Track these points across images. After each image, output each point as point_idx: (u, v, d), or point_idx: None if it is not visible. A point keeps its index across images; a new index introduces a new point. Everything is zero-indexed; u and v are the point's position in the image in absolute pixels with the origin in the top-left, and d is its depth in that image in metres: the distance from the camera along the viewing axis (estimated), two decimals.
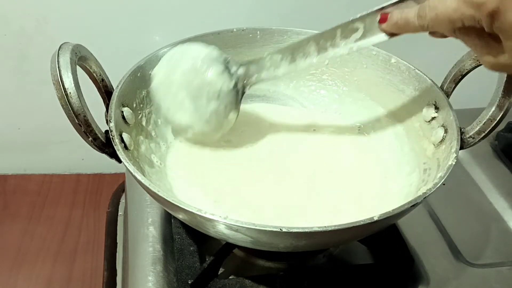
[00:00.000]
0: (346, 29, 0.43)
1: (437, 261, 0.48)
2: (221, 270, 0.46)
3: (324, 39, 0.44)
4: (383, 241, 0.47)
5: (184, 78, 0.46)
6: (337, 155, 0.51)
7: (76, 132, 0.39)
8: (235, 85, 0.47)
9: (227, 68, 0.46)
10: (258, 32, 0.54)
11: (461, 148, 0.43)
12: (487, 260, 0.49)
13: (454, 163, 0.40)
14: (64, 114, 0.38)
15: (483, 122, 0.42)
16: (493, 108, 0.41)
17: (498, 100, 0.41)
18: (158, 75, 0.47)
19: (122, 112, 0.44)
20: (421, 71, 0.49)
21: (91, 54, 0.43)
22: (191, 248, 0.46)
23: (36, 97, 0.73)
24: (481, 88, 0.54)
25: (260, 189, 0.47)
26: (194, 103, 0.46)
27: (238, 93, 0.47)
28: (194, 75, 0.46)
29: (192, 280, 0.43)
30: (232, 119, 0.48)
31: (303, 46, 0.45)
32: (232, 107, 0.47)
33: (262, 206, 0.45)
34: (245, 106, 0.56)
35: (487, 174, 0.58)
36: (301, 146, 0.52)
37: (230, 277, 0.46)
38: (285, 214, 0.44)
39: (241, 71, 0.47)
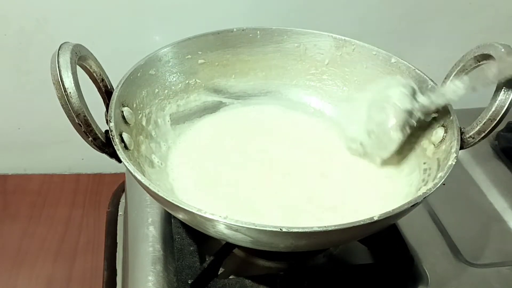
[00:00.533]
0: None
1: (437, 261, 0.48)
2: (221, 270, 0.46)
3: (503, 63, 0.41)
4: (383, 241, 0.47)
5: (372, 94, 0.49)
6: (337, 155, 0.51)
7: (76, 132, 0.39)
8: (412, 110, 0.46)
9: (413, 94, 0.47)
10: (258, 32, 0.54)
11: (461, 148, 0.43)
12: (487, 260, 0.49)
13: (454, 163, 0.40)
14: (64, 114, 0.38)
15: (483, 122, 0.42)
16: (493, 108, 0.41)
17: (498, 100, 0.41)
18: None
19: (122, 112, 0.44)
20: (421, 71, 0.49)
21: (91, 54, 0.43)
22: (191, 248, 0.46)
23: (36, 97, 0.72)
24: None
25: (261, 189, 0.47)
26: (368, 112, 0.49)
27: (411, 117, 0.46)
28: (380, 92, 0.48)
29: (192, 280, 0.43)
30: (392, 140, 0.47)
31: (483, 71, 0.43)
32: (398, 127, 0.46)
33: (263, 206, 0.45)
34: (245, 107, 0.56)
35: (487, 174, 0.58)
36: (301, 145, 0.52)
37: (230, 277, 0.46)
38: (285, 215, 0.44)
39: (425, 101, 0.46)
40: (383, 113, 0.47)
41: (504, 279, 0.47)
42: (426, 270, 0.47)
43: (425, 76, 0.49)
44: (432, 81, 0.48)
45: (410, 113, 0.46)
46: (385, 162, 0.50)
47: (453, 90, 0.44)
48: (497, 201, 0.55)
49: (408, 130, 0.47)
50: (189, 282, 0.43)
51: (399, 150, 0.50)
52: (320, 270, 0.47)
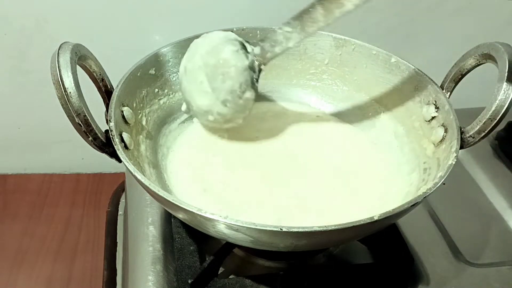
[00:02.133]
0: None
1: (437, 260, 0.48)
2: (221, 270, 0.46)
3: (329, 1, 0.43)
4: (383, 240, 0.47)
5: (203, 61, 0.46)
6: (336, 155, 0.51)
7: (76, 132, 0.39)
8: (251, 63, 0.47)
9: (243, 47, 0.47)
10: (258, 32, 0.54)
11: (461, 147, 0.43)
12: (487, 259, 0.49)
13: (454, 162, 0.40)
14: (64, 113, 0.38)
15: (483, 121, 0.42)
16: (493, 108, 0.41)
17: (498, 100, 0.41)
18: (181, 65, 0.48)
19: (122, 111, 0.44)
20: (421, 71, 0.49)
21: (91, 53, 0.42)
22: (191, 248, 0.46)
23: (36, 96, 0.73)
24: (481, 87, 0.54)
25: (261, 189, 0.47)
26: (211, 84, 0.46)
27: (255, 72, 0.47)
28: (211, 56, 0.46)
29: (192, 280, 0.43)
30: (248, 99, 0.47)
31: (310, 12, 0.44)
32: (248, 86, 0.47)
33: (263, 205, 0.45)
34: None
35: (487, 173, 0.58)
36: (300, 145, 0.52)
37: (230, 277, 0.46)
38: (285, 214, 0.44)
39: (256, 50, 0.47)
40: (228, 79, 0.46)
41: (504, 278, 0.47)
42: (426, 270, 0.47)
43: (425, 76, 0.49)
44: (432, 80, 0.48)
45: (251, 67, 0.46)
46: (385, 162, 0.50)
47: (284, 35, 0.45)
48: (497, 200, 0.55)
49: (256, 84, 0.48)
50: (189, 281, 0.43)
51: (400, 150, 0.50)
52: (320, 270, 0.47)
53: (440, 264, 0.48)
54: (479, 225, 0.52)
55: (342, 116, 0.56)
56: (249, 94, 0.47)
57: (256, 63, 0.47)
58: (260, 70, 0.47)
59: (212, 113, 0.48)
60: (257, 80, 0.48)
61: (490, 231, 0.52)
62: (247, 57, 0.46)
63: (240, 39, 0.47)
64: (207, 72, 0.46)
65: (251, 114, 0.54)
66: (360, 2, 0.41)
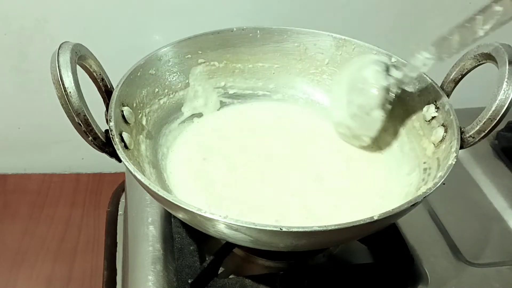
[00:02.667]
0: (486, 13, 0.41)
1: (437, 260, 0.48)
2: (221, 270, 0.46)
3: (466, 29, 0.42)
4: (383, 240, 0.47)
5: (352, 75, 0.50)
6: (337, 155, 0.51)
7: (76, 132, 0.39)
8: (388, 86, 0.48)
9: (386, 69, 0.48)
10: (258, 32, 0.54)
11: (461, 147, 0.43)
12: (487, 259, 0.49)
13: (454, 162, 0.40)
14: (64, 113, 0.38)
15: (483, 121, 0.42)
16: (493, 108, 0.41)
17: (498, 100, 0.41)
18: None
19: (122, 111, 0.44)
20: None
21: (91, 53, 0.42)
22: (191, 248, 0.46)
23: (36, 96, 0.72)
24: (481, 87, 0.54)
25: (261, 189, 0.47)
26: (348, 96, 0.49)
27: (388, 93, 0.48)
28: (357, 72, 0.49)
29: (192, 280, 0.43)
30: (376, 118, 0.49)
31: (448, 40, 0.44)
32: (377, 106, 0.48)
33: (263, 205, 0.45)
34: (244, 107, 0.56)
35: (487, 173, 0.58)
36: (300, 145, 0.52)
37: (230, 277, 0.46)
38: (285, 214, 0.44)
39: (398, 75, 0.48)
40: (362, 95, 0.48)
41: (504, 278, 0.47)
42: (426, 270, 0.47)
43: (425, 76, 0.49)
44: (432, 80, 0.48)
45: (387, 89, 0.48)
46: (385, 162, 0.50)
47: (422, 61, 0.45)
48: (497, 200, 0.55)
49: (388, 106, 0.49)
50: (189, 281, 0.43)
51: (400, 150, 0.50)
52: (320, 270, 0.47)
53: (440, 264, 0.48)
54: (479, 225, 0.52)
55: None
56: (377, 113, 0.48)
57: (395, 87, 0.48)
58: (396, 94, 0.48)
59: (341, 125, 0.51)
60: (390, 103, 0.49)
61: (490, 231, 0.52)
62: (386, 79, 0.48)
63: (385, 60, 0.49)
64: (350, 85, 0.50)
65: (251, 114, 0.54)
66: (490, 30, 0.41)
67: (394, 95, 0.48)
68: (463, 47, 0.43)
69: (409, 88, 0.49)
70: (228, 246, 0.45)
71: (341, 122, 0.51)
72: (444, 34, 0.44)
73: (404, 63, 0.49)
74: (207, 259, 0.44)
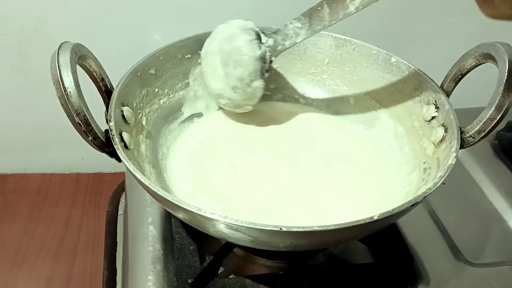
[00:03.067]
0: None
1: (437, 260, 0.48)
2: (221, 270, 0.46)
3: (336, 2, 0.44)
4: (383, 240, 0.47)
5: (219, 46, 0.49)
6: (336, 155, 0.51)
7: (76, 132, 0.39)
8: (263, 54, 0.49)
9: (257, 37, 0.49)
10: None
11: (461, 147, 0.43)
12: (487, 259, 0.49)
13: (454, 162, 0.40)
14: (64, 113, 0.38)
15: (483, 121, 0.42)
16: (493, 108, 0.41)
17: (498, 100, 0.41)
18: (203, 48, 0.51)
19: (122, 111, 0.44)
20: (421, 70, 0.49)
21: (91, 53, 0.42)
22: (191, 248, 0.46)
23: (36, 96, 0.72)
24: (481, 87, 0.54)
25: (261, 188, 0.47)
26: (224, 69, 0.48)
27: (265, 63, 0.49)
28: (227, 43, 0.49)
29: (192, 280, 0.43)
30: (257, 87, 0.49)
31: (318, 11, 0.46)
32: (257, 76, 0.49)
33: (263, 205, 0.45)
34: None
35: (487, 173, 0.58)
36: (301, 145, 0.52)
37: (230, 276, 0.46)
38: (286, 214, 0.44)
39: (270, 41, 0.49)
40: (239, 67, 0.48)
41: (504, 278, 0.47)
42: (426, 270, 0.47)
43: (425, 76, 0.49)
44: (432, 80, 0.48)
45: (262, 58, 0.49)
46: (385, 161, 0.50)
47: (293, 29, 0.47)
48: (497, 200, 0.55)
49: (266, 75, 0.49)
50: (189, 281, 0.43)
51: (400, 150, 0.50)
52: (320, 270, 0.47)
53: (440, 264, 0.48)
54: (479, 225, 0.52)
55: (342, 116, 0.56)
56: (258, 83, 0.49)
57: (268, 54, 0.49)
58: (271, 61, 0.49)
59: (223, 97, 0.50)
60: (267, 71, 0.49)
61: (490, 231, 0.52)
62: (259, 48, 0.48)
63: (257, 29, 0.49)
64: (222, 57, 0.48)
65: (250, 114, 0.54)
66: (361, 6, 0.43)
67: (268, 63, 0.49)
68: (334, 20, 0.45)
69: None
70: (228, 246, 0.45)
71: (222, 94, 0.50)
72: (315, 6, 0.45)
73: (275, 31, 0.49)
74: (207, 259, 0.44)
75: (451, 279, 0.46)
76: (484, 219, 0.53)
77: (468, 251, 0.49)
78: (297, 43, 0.48)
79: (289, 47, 0.48)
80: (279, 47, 0.49)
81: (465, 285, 0.46)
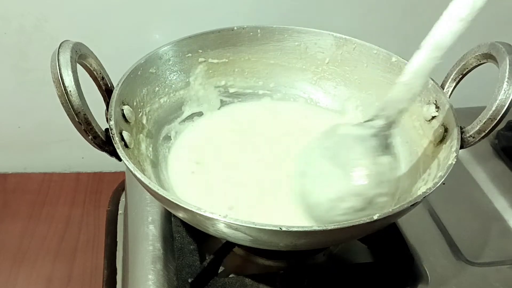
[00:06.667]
0: None
1: (437, 259, 0.48)
2: (221, 269, 0.46)
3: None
4: (383, 240, 0.47)
5: (320, 150, 0.42)
6: None
7: (76, 131, 0.39)
8: (375, 133, 0.41)
9: (361, 124, 0.42)
10: (259, 31, 0.54)
11: (461, 147, 0.43)
12: (487, 258, 0.49)
13: (454, 162, 0.40)
14: (64, 112, 0.38)
15: (484, 121, 0.42)
16: (494, 108, 0.41)
17: (498, 100, 0.41)
18: (296, 175, 0.43)
19: (122, 110, 0.44)
20: None
21: (91, 52, 0.42)
22: (191, 247, 0.46)
23: (36, 95, 0.72)
24: (481, 86, 0.54)
25: (262, 188, 0.47)
26: (336, 162, 0.40)
27: (382, 140, 0.41)
28: (328, 139, 0.42)
29: (192, 279, 0.43)
30: (385, 164, 0.40)
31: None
32: (381, 151, 0.40)
33: (264, 204, 0.45)
34: (244, 106, 0.56)
35: (487, 172, 0.58)
36: (301, 143, 0.52)
37: (230, 276, 0.46)
38: (286, 213, 0.44)
39: (378, 122, 0.41)
40: (352, 148, 0.40)
41: (504, 278, 0.47)
42: (426, 269, 0.47)
43: None
44: (433, 80, 0.48)
45: (375, 135, 0.41)
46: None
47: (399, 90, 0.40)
48: (497, 200, 0.55)
49: (392, 148, 0.42)
50: (189, 280, 0.43)
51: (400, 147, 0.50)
52: (320, 269, 0.47)
53: (440, 263, 0.48)
54: (479, 224, 0.52)
55: (343, 115, 0.56)
56: (385, 159, 0.40)
57: (383, 131, 0.41)
58: (389, 135, 0.41)
59: (345, 198, 0.39)
60: (388, 146, 0.41)
61: (490, 230, 0.52)
62: (368, 128, 0.41)
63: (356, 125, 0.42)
64: (328, 155, 0.41)
65: (251, 113, 0.54)
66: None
67: (387, 137, 0.41)
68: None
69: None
70: (228, 245, 0.45)
71: (342, 196, 0.39)
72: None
73: (382, 108, 0.42)
74: (207, 258, 0.44)
75: (451, 278, 0.46)
76: (484, 218, 0.53)
77: (468, 251, 0.49)
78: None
79: (407, 106, 0.41)
80: (393, 117, 0.41)
81: (465, 285, 0.46)
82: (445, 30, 0.37)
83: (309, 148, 0.43)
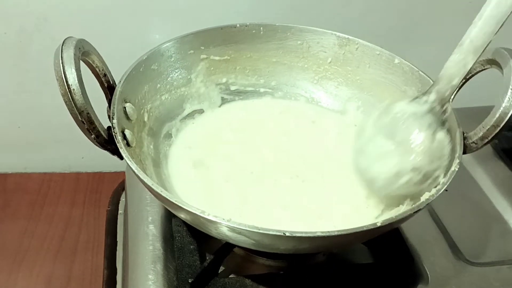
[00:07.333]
0: None
1: (437, 260, 0.48)
2: (221, 269, 0.46)
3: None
4: (383, 240, 0.47)
5: (376, 127, 0.43)
6: (339, 155, 0.51)
7: (76, 131, 0.39)
8: (430, 109, 0.42)
9: (415, 100, 0.43)
10: (261, 28, 0.54)
11: (464, 153, 0.42)
12: (488, 259, 0.49)
13: (457, 169, 0.40)
14: (64, 112, 0.38)
15: (487, 128, 0.41)
16: (497, 115, 0.41)
17: (502, 107, 0.40)
18: (354, 150, 0.45)
19: (125, 107, 0.44)
20: (424, 73, 0.49)
21: (94, 49, 0.42)
22: (191, 247, 0.46)
23: (36, 95, 0.72)
24: (482, 86, 0.54)
25: (263, 189, 0.47)
26: (394, 139, 0.42)
27: (437, 115, 0.42)
28: (385, 116, 0.43)
29: (192, 279, 0.43)
30: (442, 140, 0.42)
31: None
32: (437, 127, 0.42)
33: (264, 207, 0.45)
34: (245, 104, 0.56)
35: (488, 173, 0.58)
36: (302, 144, 0.52)
37: (231, 276, 0.46)
38: (287, 216, 0.44)
39: (431, 97, 0.43)
40: (410, 125, 0.42)
41: (504, 278, 0.47)
42: (426, 269, 0.47)
43: (428, 78, 0.48)
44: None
45: (431, 111, 0.42)
46: None
47: (456, 65, 0.41)
48: (498, 200, 0.55)
49: (446, 124, 0.42)
50: (189, 281, 0.43)
51: None
52: (320, 269, 0.47)
53: (440, 264, 0.48)
54: (479, 224, 0.52)
55: (344, 116, 0.56)
56: (440, 135, 0.42)
57: (437, 106, 0.42)
58: (445, 111, 0.43)
59: (403, 173, 0.41)
60: (444, 122, 0.42)
61: (490, 230, 0.52)
62: (422, 104, 0.43)
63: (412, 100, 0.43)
64: (385, 132, 0.42)
65: (252, 111, 0.54)
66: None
67: (443, 112, 0.42)
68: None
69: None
70: (228, 246, 0.45)
71: (401, 170, 0.41)
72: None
73: (433, 83, 0.43)
74: (207, 258, 0.44)
75: (451, 278, 0.46)
76: (484, 218, 0.53)
77: (468, 251, 0.49)
78: (468, 73, 0.42)
79: (461, 83, 0.42)
80: (447, 92, 0.42)
81: (465, 285, 0.46)
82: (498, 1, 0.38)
83: (366, 126, 0.44)
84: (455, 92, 0.43)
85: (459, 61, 0.41)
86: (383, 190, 0.43)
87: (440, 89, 0.42)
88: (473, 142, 0.43)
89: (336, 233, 0.34)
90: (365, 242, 0.48)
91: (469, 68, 0.41)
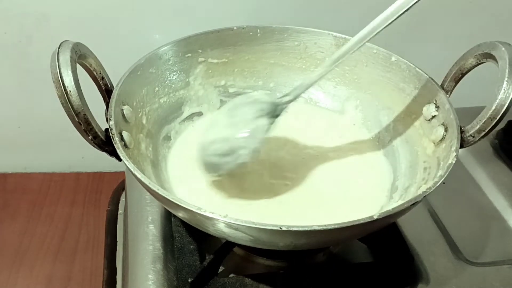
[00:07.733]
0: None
1: (437, 259, 0.48)
2: (221, 269, 0.46)
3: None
4: (383, 239, 0.47)
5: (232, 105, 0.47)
6: (336, 153, 0.51)
7: (76, 131, 0.39)
8: (275, 101, 0.46)
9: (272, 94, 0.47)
10: (259, 30, 0.54)
11: (461, 146, 0.43)
12: (487, 258, 0.49)
13: (454, 162, 0.40)
14: (64, 112, 0.38)
15: (483, 121, 0.42)
16: (494, 107, 0.41)
17: (498, 99, 0.41)
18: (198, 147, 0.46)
19: (122, 110, 0.44)
20: (421, 70, 0.49)
21: (91, 52, 0.42)
22: (191, 247, 0.46)
23: (36, 95, 0.73)
24: (481, 86, 0.54)
25: (261, 187, 0.47)
26: (229, 119, 0.45)
27: (276, 108, 0.46)
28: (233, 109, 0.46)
29: (192, 279, 0.43)
30: (260, 126, 0.45)
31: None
32: (263, 115, 0.45)
33: (263, 205, 0.45)
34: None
35: (487, 172, 0.58)
36: (300, 143, 0.52)
37: (230, 276, 0.46)
38: (286, 213, 0.44)
39: (286, 98, 0.46)
40: (243, 107, 0.45)
41: (504, 277, 0.47)
42: (426, 269, 0.47)
43: (425, 75, 0.49)
44: (432, 79, 0.48)
45: (274, 103, 0.46)
46: (386, 161, 0.50)
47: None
48: (497, 199, 0.55)
49: (274, 120, 0.46)
50: (189, 280, 0.43)
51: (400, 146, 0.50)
52: (320, 269, 0.47)
53: (440, 263, 0.48)
54: (479, 224, 0.52)
55: (343, 115, 0.56)
56: (264, 121, 0.45)
57: (283, 103, 0.46)
58: (283, 108, 0.46)
59: (216, 141, 0.45)
60: (277, 115, 0.46)
61: (490, 230, 0.52)
62: (273, 97, 0.46)
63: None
64: (231, 108, 0.46)
65: None
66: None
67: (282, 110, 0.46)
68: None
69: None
70: (228, 245, 0.45)
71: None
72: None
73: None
74: (207, 258, 0.44)
75: (451, 278, 0.46)
76: (484, 218, 0.53)
77: (468, 250, 0.49)
78: (314, 81, 0.45)
79: (302, 91, 0.46)
80: (289, 97, 0.46)
81: (465, 284, 0.46)
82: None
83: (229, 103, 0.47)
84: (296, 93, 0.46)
85: (320, 74, 0.45)
86: (200, 155, 0.45)
87: (297, 94, 0.46)
88: (470, 135, 0.43)
89: (332, 227, 0.34)
90: (365, 241, 0.48)
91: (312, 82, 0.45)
